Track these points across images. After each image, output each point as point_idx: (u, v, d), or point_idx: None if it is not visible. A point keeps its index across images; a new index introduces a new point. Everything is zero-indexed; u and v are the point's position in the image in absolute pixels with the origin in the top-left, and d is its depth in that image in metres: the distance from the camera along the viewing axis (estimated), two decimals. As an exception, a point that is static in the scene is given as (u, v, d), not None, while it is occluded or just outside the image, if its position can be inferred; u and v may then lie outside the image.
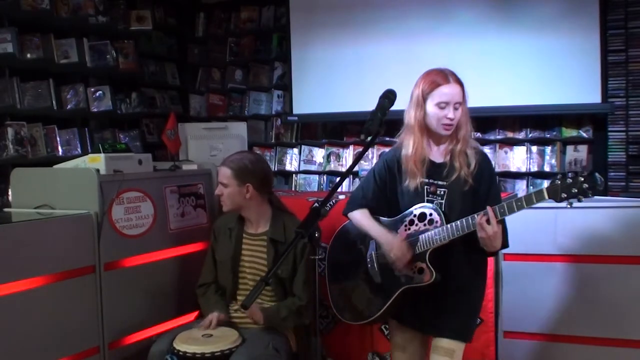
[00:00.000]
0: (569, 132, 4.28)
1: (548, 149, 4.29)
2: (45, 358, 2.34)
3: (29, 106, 3.89)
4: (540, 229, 2.73)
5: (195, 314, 2.84)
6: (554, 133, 4.32)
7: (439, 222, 2.11)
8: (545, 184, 4.18)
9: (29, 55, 3.89)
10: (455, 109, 2.12)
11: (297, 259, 2.51)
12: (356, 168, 4.47)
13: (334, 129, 5.04)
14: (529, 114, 4.29)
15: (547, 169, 4.28)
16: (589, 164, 4.17)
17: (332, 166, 4.92)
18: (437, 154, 2.21)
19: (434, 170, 2.18)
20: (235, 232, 2.61)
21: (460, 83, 2.15)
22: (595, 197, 3.00)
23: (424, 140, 2.18)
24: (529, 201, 1.95)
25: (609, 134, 4.10)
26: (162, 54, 5.34)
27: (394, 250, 2.15)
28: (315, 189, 4.94)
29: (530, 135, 4.37)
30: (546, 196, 1.93)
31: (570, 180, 1.89)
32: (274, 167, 5.11)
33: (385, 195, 2.29)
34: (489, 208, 2.00)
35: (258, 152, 5.10)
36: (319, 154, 5.02)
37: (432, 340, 2.23)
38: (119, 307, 2.62)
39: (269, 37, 5.21)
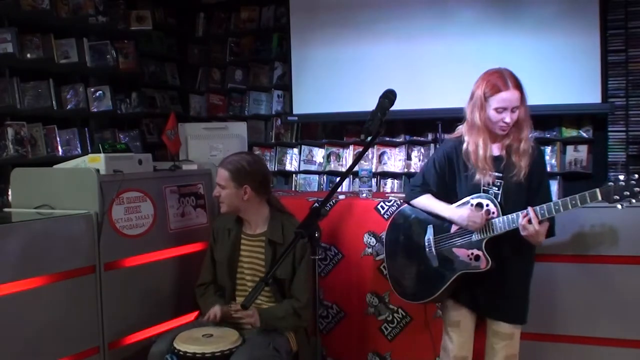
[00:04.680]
0: (569, 132, 4.28)
1: (548, 149, 4.29)
2: (45, 358, 2.34)
3: (29, 106, 3.90)
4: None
5: (195, 314, 2.84)
6: (554, 133, 4.32)
7: (496, 213, 2.25)
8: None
9: (29, 55, 3.89)
10: (513, 112, 2.25)
11: (295, 260, 2.51)
12: (356, 168, 4.46)
13: (334, 129, 5.05)
14: (529, 114, 4.28)
15: (547, 169, 4.27)
16: (589, 164, 4.17)
17: (332, 166, 4.92)
18: (495, 148, 2.34)
19: (492, 163, 2.30)
20: (233, 233, 2.61)
21: (518, 87, 2.26)
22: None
23: (487, 137, 2.30)
24: (582, 200, 2.07)
25: (609, 134, 4.10)
26: (162, 54, 5.34)
27: (470, 220, 2.26)
28: (315, 189, 4.94)
29: (530, 135, 4.36)
30: (599, 197, 2.05)
31: (623, 184, 2.02)
32: (274, 167, 5.11)
33: (445, 183, 2.41)
34: (530, 209, 2.13)
35: (258, 152, 5.11)
36: (319, 154, 5.02)
37: (490, 324, 2.38)
38: (119, 307, 2.62)
39: (269, 37, 5.21)
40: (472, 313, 2.44)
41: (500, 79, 2.24)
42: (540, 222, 2.14)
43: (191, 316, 2.88)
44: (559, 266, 2.70)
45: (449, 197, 2.40)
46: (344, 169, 4.85)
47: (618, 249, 2.63)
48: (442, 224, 2.40)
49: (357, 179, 4.64)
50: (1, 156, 3.69)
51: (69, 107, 4.18)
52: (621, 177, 2.04)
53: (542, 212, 2.14)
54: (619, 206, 2.04)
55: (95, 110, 4.33)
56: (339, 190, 2.60)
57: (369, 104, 2.17)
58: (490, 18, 4.25)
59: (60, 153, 4.05)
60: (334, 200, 3.05)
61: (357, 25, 4.62)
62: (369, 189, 3.14)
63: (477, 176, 2.30)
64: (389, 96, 2.15)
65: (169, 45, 5.44)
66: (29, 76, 3.93)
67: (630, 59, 4.00)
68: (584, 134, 4.23)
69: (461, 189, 2.36)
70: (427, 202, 2.44)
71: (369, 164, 4.69)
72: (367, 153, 4.09)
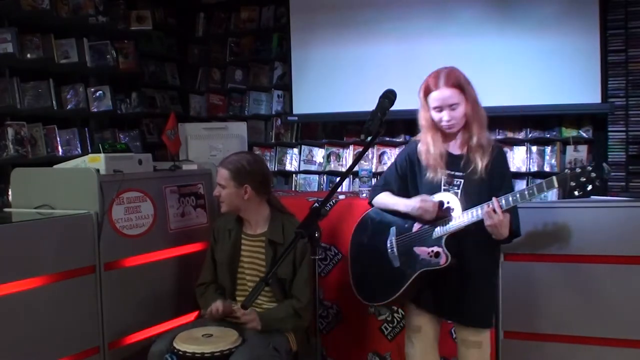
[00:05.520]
0: (569, 132, 4.28)
1: (548, 149, 4.29)
2: (45, 358, 2.34)
3: (29, 106, 3.89)
4: (540, 229, 2.73)
5: (195, 314, 2.84)
6: (554, 133, 4.32)
7: (455, 210, 2.23)
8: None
9: (29, 55, 3.89)
10: (453, 109, 2.21)
11: (296, 260, 2.51)
12: (356, 168, 4.46)
13: (334, 129, 5.05)
14: (529, 114, 4.29)
15: (547, 169, 4.28)
16: (588, 164, 4.16)
17: (332, 166, 4.92)
18: (455, 146, 2.32)
19: (451, 161, 2.29)
20: (234, 233, 2.60)
21: (454, 85, 2.20)
22: (595, 197, 3.01)
23: (438, 136, 2.28)
24: (539, 189, 2.06)
25: (609, 134, 4.10)
26: (162, 54, 5.34)
27: (420, 208, 2.24)
28: (315, 189, 4.94)
29: (530, 135, 4.38)
30: (555, 184, 2.04)
31: (579, 170, 2.01)
32: (274, 167, 5.12)
33: (406, 184, 2.40)
34: (494, 199, 2.11)
35: (258, 152, 5.11)
36: (319, 154, 5.02)
37: (457, 332, 2.37)
38: (119, 307, 2.62)
39: (269, 37, 5.21)
40: (435, 318, 2.40)
41: (433, 79, 2.23)
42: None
43: (191, 316, 2.88)
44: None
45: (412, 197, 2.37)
46: (344, 169, 4.86)
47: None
48: (404, 224, 2.38)
49: (357, 179, 4.65)
50: (1, 156, 3.69)
51: (69, 107, 4.18)
52: (578, 165, 2.06)
53: (501, 203, 2.11)
54: (576, 193, 2.03)
55: (95, 110, 4.32)
56: (339, 190, 2.60)
57: (369, 104, 2.17)
58: (490, 18, 4.26)
59: (60, 153, 4.05)
60: (334, 200, 3.05)
61: (357, 25, 4.62)
62: (369, 189, 3.14)
63: (430, 174, 2.28)
64: (389, 96, 2.15)
65: (169, 45, 5.44)
66: (29, 76, 3.93)
67: (630, 59, 4.01)
68: (584, 134, 4.23)
69: (422, 189, 2.34)
70: (385, 198, 2.43)
71: (369, 164, 4.69)
72: (367, 153, 4.09)
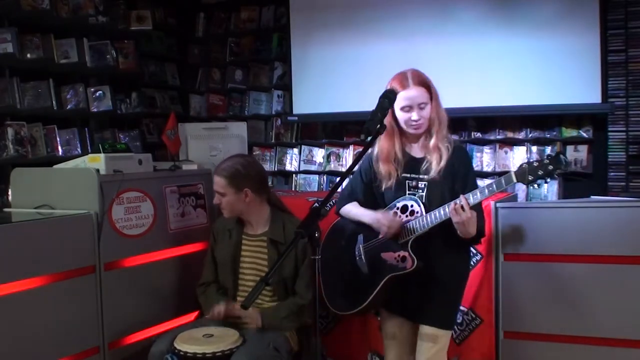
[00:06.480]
0: (569, 132, 4.28)
1: (548, 149, 4.29)
2: (45, 358, 2.34)
3: (29, 106, 3.89)
4: (540, 229, 2.73)
5: (195, 314, 2.84)
6: (554, 133, 4.32)
7: (420, 213, 2.21)
8: (546, 186, 4.19)
9: (29, 55, 3.89)
10: (421, 108, 2.21)
11: (298, 259, 2.52)
12: (356, 168, 4.46)
13: (334, 129, 5.05)
14: (529, 114, 4.29)
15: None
16: (589, 164, 4.17)
17: (332, 166, 4.92)
18: (417, 149, 2.31)
19: (414, 164, 2.28)
20: (234, 233, 2.61)
21: (422, 84, 2.21)
22: (595, 197, 3.02)
23: (395, 140, 2.28)
24: (499, 185, 2.07)
25: (609, 134, 4.10)
26: (162, 54, 5.34)
27: (383, 223, 2.25)
28: (315, 189, 4.94)
29: (530, 135, 4.37)
30: (514, 179, 2.05)
31: (537, 164, 2.02)
32: (274, 167, 5.12)
33: (372, 191, 2.39)
34: (462, 196, 2.11)
35: (258, 152, 5.12)
36: (319, 154, 5.02)
37: (419, 328, 2.33)
38: (119, 307, 2.62)
39: (269, 37, 5.21)
40: (409, 323, 2.38)
41: (400, 80, 2.22)
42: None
43: (191, 316, 2.88)
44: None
45: (378, 204, 2.37)
46: (344, 169, 4.85)
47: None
48: (371, 231, 2.36)
49: (357, 179, 4.65)
50: (1, 156, 3.69)
51: (69, 107, 4.17)
52: (536, 159, 2.04)
53: (475, 196, 2.10)
54: (536, 185, 2.05)
55: (95, 110, 4.32)
56: (339, 190, 2.60)
57: (369, 104, 2.17)
58: (490, 18, 4.25)
59: (60, 153, 4.04)
60: (333, 200, 3.04)
61: (357, 25, 4.62)
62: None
63: (382, 182, 2.28)
64: (388, 96, 2.15)
65: (169, 45, 5.44)
66: (29, 76, 3.93)
67: (630, 59, 4.00)
68: (584, 134, 4.23)
69: (387, 195, 2.33)
70: (352, 209, 2.43)
71: (369, 164, 4.68)
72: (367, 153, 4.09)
